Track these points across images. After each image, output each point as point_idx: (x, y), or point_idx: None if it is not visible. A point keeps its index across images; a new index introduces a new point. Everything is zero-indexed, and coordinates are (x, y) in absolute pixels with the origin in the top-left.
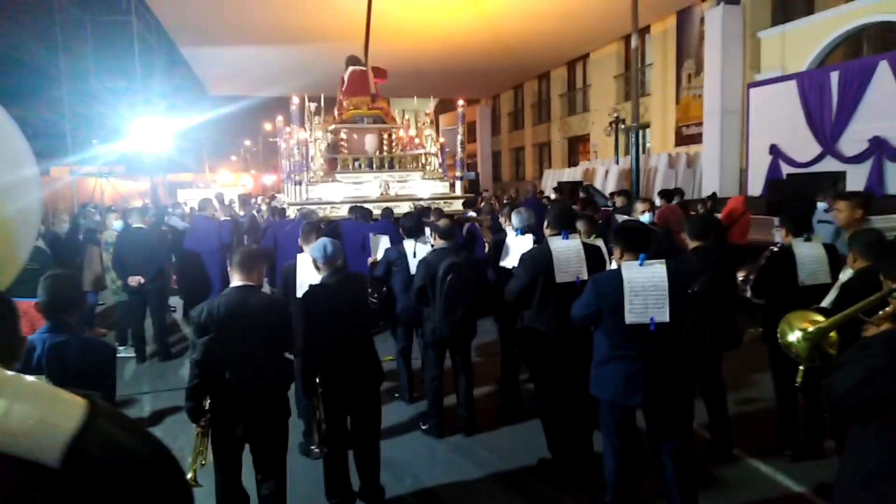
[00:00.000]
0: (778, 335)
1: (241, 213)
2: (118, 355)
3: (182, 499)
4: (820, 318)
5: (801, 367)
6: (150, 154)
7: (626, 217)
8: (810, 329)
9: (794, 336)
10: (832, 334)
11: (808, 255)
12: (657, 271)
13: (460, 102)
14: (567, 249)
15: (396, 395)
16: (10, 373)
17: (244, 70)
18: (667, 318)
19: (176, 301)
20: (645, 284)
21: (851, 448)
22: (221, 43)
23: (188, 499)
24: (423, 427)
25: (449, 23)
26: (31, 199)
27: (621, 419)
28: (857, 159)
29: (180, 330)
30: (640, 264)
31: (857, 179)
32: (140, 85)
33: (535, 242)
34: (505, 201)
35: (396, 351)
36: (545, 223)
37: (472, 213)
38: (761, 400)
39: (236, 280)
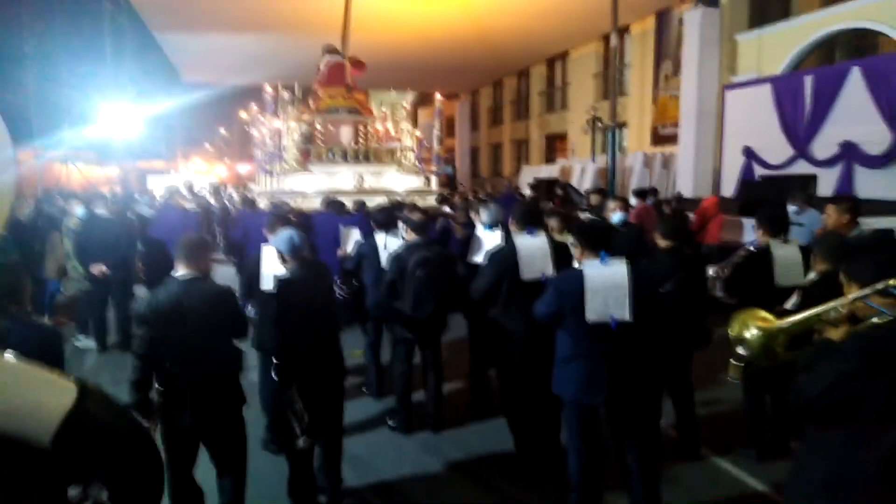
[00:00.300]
0: (730, 330)
1: (214, 203)
2: (79, 345)
3: (158, 475)
4: (769, 316)
5: (732, 361)
6: (121, 140)
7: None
8: (771, 327)
9: (750, 332)
10: (781, 335)
11: (785, 256)
12: (618, 270)
13: (438, 97)
14: (532, 246)
15: (365, 389)
16: (4, 354)
17: (219, 57)
18: (628, 317)
19: (142, 290)
20: (606, 283)
21: (810, 451)
22: (195, 28)
23: (162, 475)
24: (391, 423)
25: (430, 15)
26: (6, 178)
27: (584, 418)
28: (829, 163)
29: None
30: (602, 262)
31: (827, 183)
32: (110, 69)
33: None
34: (481, 197)
35: (366, 345)
36: (511, 220)
37: (446, 209)
38: (728, 399)
39: (180, 270)
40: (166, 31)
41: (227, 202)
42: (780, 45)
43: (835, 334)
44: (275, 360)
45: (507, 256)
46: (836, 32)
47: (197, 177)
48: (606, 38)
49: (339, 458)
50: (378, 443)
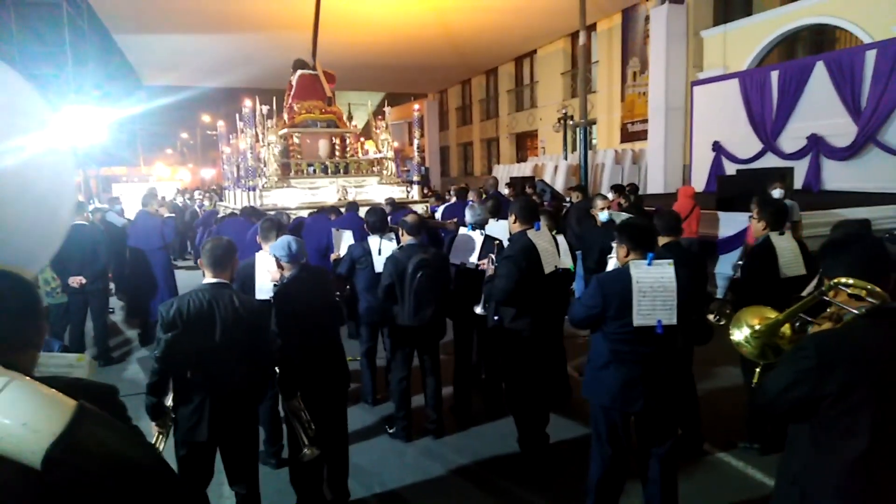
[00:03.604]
0: (730, 333)
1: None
2: None
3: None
4: (773, 314)
5: (757, 369)
6: (84, 146)
7: (613, 213)
8: (757, 326)
9: (741, 334)
10: (785, 330)
11: (785, 247)
12: (666, 272)
13: (416, 106)
14: (544, 240)
15: (366, 399)
16: (1, 372)
17: (182, 59)
18: (675, 321)
19: (114, 302)
20: (654, 285)
21: (787, 447)
22: (158, 30)
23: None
24: (390, 431)
25: (397, 16)
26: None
27: (617, 425)
28: (797, 156)
29: (121, 333)
30: (649, 264)
31: (797, 176)
32: (71, 73)
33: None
34: (487, 193)
35: (361, 352)
36: (512, 218)
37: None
38: (726, 393)
39: (208, 276)
40: (127, 33)
41: (197, 207)
42: (745, 41)
43: (811, 333)
44: (276, 370)
45: (529, 252)
46: (798, 28)
47: (161, 182)
48: (573, 36)
49: (345, 470)
50: (379, 451)
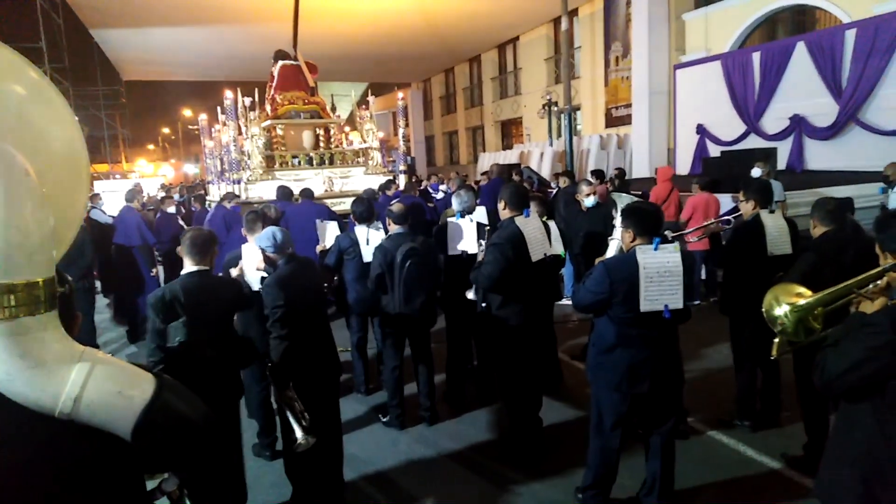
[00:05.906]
0: (763, 309)
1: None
2: None
3: (230, 463)
4: (805, 291)
5: (776, 340)
6: None
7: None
8: (800, 303)
9: (781, 310)
10: (818, 308)
11: (774, 226)
12: (672, 256)
13: (400, 95)
14: (533, 227)
15: (359, 389)
16: (84, 347)
17: (161, 54)
18: (681, 305)
19: (100, 300)
20: (660, 270)
21: (844, 425)
22: (135, 24)
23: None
24: (384, 419)
25: (378, 5)
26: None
27: (622, 408)
28: (780, 136)
29: (108, 331)
30: (655, 249)
31: (779, 156)
32: (47, 70)
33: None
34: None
35: (352, 342)
36: (502, 204)
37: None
38: (715, 373)
39: (189, 265)
40: (104, 28)
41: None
42: (726, 23)
43: (870, 308)
44: (268, 361)
45: (515, 239)
46: (779, 9)
47: (144, 179)
48: (556, 22)
49: (340, 459)
50: (373, 440)
